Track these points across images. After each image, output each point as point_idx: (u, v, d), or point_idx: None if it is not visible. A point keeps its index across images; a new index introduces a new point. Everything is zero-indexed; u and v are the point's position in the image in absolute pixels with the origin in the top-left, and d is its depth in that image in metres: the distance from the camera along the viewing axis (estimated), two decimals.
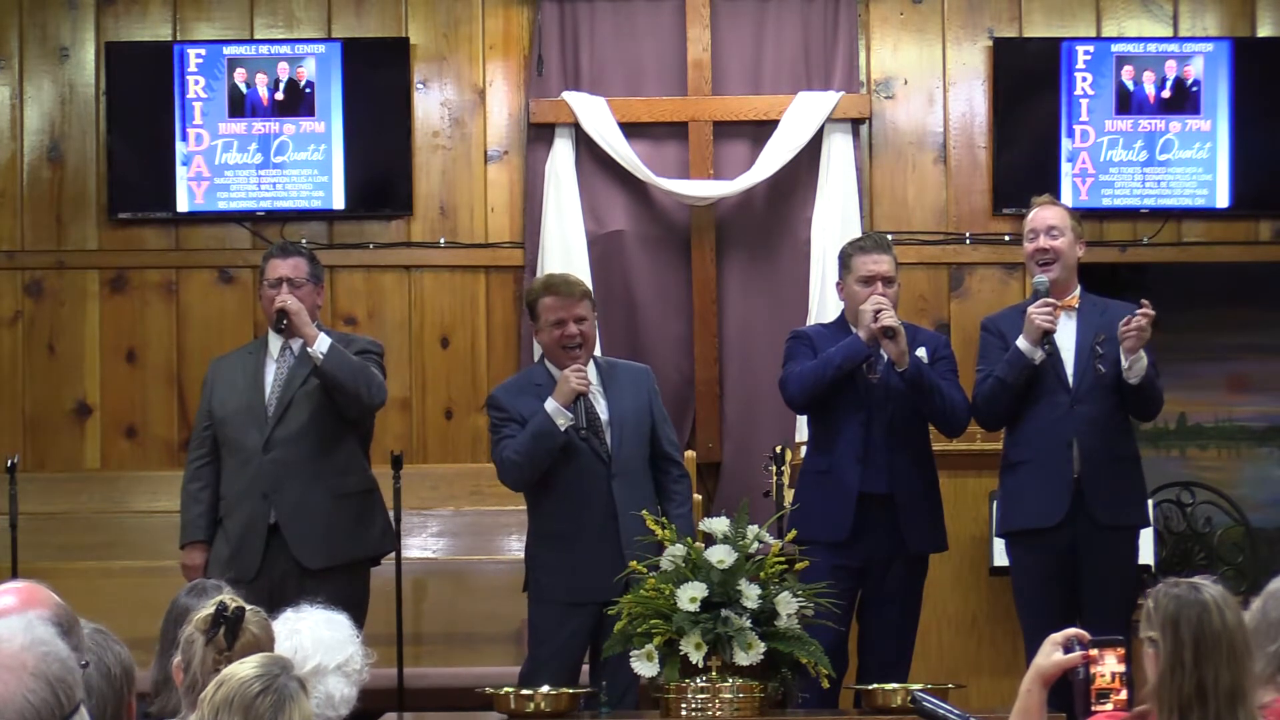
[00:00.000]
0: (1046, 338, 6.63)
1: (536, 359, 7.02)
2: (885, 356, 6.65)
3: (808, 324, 8.26)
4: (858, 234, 8.26)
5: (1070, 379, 6.71)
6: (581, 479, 6.52)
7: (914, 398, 6.65)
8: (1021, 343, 6.65)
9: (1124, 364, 6.59)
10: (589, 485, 6.52)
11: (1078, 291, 6.84)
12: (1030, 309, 6.64)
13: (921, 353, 6.71)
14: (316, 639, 3.93)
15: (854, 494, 6.62)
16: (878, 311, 6.54)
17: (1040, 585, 6.73)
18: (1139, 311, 6.56)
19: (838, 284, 6.89)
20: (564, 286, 6.67)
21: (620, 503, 6.49)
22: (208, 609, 3.79)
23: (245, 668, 3.22)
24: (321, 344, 6.66)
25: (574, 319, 6.55)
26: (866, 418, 6.66)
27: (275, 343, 6.87)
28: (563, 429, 6.41)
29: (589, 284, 8.38)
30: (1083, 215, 8.77)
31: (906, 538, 6.67)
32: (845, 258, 6.81)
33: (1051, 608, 6.61)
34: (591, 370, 6.64)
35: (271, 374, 6.83)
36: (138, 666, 3.53)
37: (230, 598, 3.84)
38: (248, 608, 3.83)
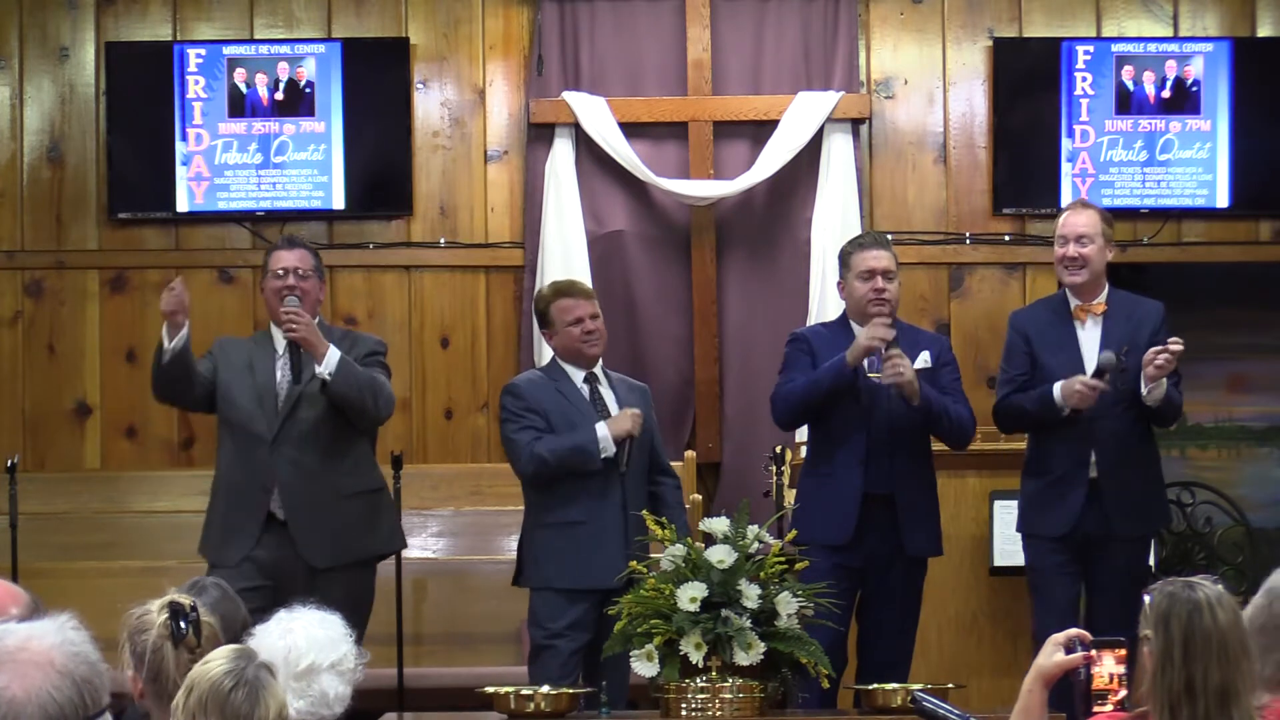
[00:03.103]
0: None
1: (544, 361, 7.15)
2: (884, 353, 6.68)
3: (808, 324, 8.27)
4: (858, 234, 8.27)
5: None
6: (599, 474, 6.66)
7: (924, 423, 6.69)
8: (1057, 394, 6.68)
9: (1143, 390, 6.65)
10: (605, 481, 6.67)
11: (1104, 295, 6.86)
12: (1082, 383, 6.62)
13: (925, 357, 6.72)
14: (310, 638, 3.94)
15: (857, 495, 6.63)
16: (895, 373, 6.56)
17: (1054, 583, 6.78)
18: (1170, 346, 6.60)
19: (839, 283, 6.91)
20: (575, 289, 6.93)
21: (629, 500, 6.64)
22: (162, 615, 3.78)
23: (211, 667, 3.22)
24: (330, 362, 6.61)
25: (589, 316, 6.78)
26: (867, 418, 6.67)
27: (280, 338, 6.83)
28: (602, 457, 6.61)
29: (589, 284, 8.44)
30: None
31: (906, 540, 6.68)
32: (845, 256, 6.84)
33: (1064, 605, 6.67)
34: (600, 369, 6.85)
35: (280, 368, 6.79)
36: None
37: (176, 595, 3.83)
38: (195, 600, 3.83)
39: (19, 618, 3.24)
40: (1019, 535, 7.01)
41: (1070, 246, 6.81)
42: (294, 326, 6.59)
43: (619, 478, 6.67)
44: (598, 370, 6.82)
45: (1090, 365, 6.75)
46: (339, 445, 6.72)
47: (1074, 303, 6.87)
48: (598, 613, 6.55)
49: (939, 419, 6.68)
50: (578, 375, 6.78)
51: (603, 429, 6.62)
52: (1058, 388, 6.67)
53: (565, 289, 6.91)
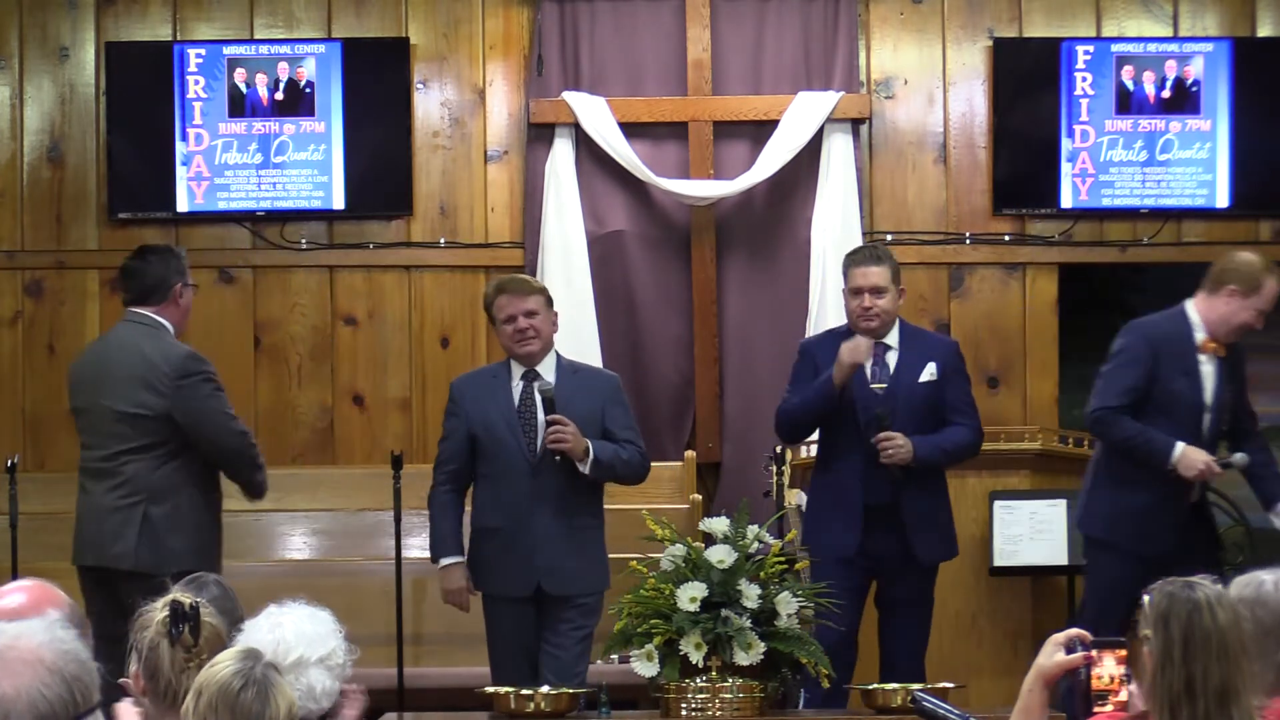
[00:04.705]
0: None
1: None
2: (889, 365, 6.72)
3: (807, 324, 8.37)
4: (858, 234, 8.34)
5: (1206, 430, 6.79)
6: (506, 476, 6.56)
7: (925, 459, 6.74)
8: (1176, 454, 6.67)
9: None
10: (512, 483, 6.55)
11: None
12: (1206, 463, 6.68)
13: (931, 369, 6.73)
14: (299, 632, 3.94)
15: (859, 508, 6.65)
16: (890, 456, 6.59)
17: (1120, 594, 6.78)
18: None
19: (844, 289, 6.95)
20: (512, 285, 6.76)
21: (540, 501, 6.52)
22: (162, 612, 3.78)
23: (219, 669, 3.22)
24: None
25: (523, 313, 6.60)
26: (866, 431, 6.68)
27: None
28: (439, 565, 6.65)
29: (589, 283, 8.45)
30: (1082, 215, 8.82)
31: (916, 549, 6.69)
32: (844, 267, 6.93)
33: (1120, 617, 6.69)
34: (551, 367, 6.65)
35: None
36: None
37: (181, 594, 3.84)
38: (199, 600, 3.83)
39: (61, 620, 3.26)
40: (1026, 536, 7.03)
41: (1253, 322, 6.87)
42: None
43: (528, 479, 6.51)
44: (541, 367, 6.63)
45: (1207, 397, 6.78)
46: None
47: (1200, 335, 6.84)
48: (529, 617, 6.54)
49: (937, 461, 6.74)
50: (518, 373, 6.64)
51: (448, 561, 6.62)
52: (1179, 452, 6.67)
53: (504, 285, 6.75)
